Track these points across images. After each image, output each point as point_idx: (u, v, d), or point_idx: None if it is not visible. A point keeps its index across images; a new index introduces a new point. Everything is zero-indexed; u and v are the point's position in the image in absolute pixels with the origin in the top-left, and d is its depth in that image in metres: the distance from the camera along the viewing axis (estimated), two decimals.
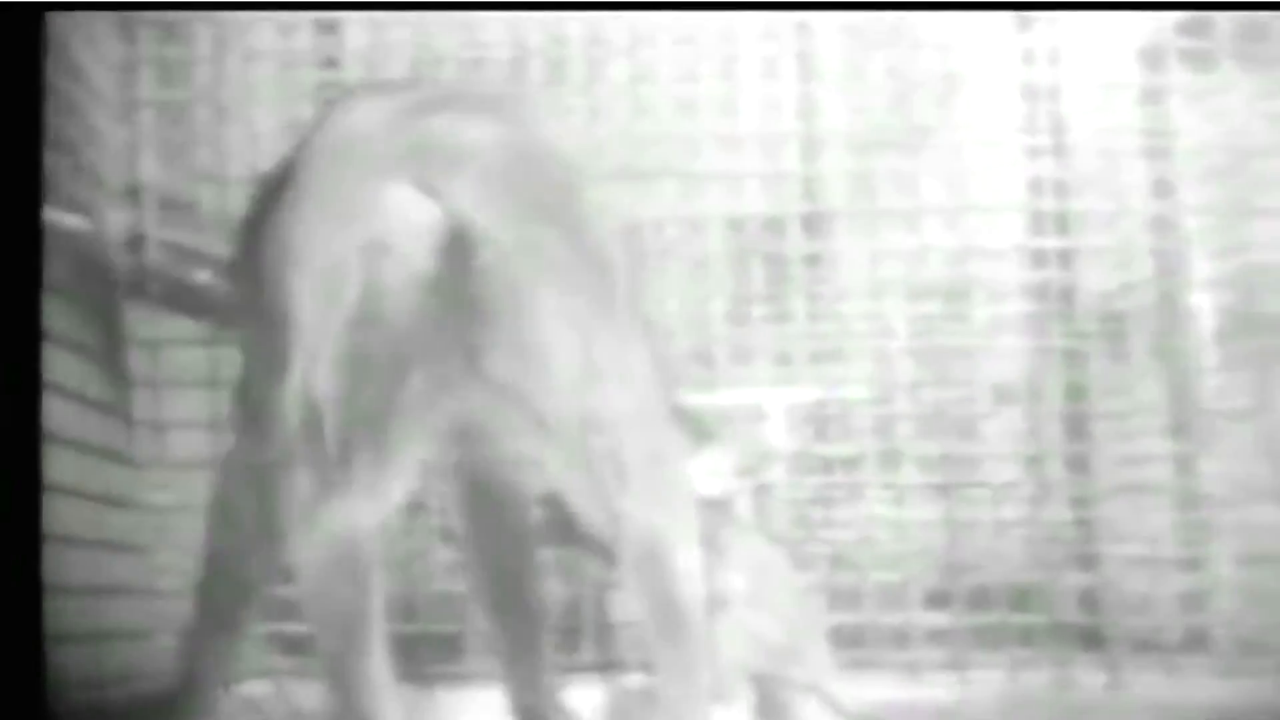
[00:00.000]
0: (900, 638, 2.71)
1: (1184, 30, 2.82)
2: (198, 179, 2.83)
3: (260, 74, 2.85)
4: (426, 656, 2.68)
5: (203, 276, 2.83)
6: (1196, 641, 2.67)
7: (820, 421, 2.84)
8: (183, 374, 2.74)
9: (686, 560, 1.84)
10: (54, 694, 1.89)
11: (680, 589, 1.83)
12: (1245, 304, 2.84)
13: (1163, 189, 2.87)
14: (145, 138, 2.80)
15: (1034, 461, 2.82)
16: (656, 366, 1.88)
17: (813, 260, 2.89)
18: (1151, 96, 2.84)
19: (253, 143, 2.85)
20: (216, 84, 2.83)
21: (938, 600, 2.75)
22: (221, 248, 2.85)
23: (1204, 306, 2.88)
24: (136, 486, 2.64)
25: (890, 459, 2.80)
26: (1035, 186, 2.86)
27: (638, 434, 1.80)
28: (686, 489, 1.89)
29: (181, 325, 2.79)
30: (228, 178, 2.82)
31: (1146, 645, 2.70)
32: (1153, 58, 2.84)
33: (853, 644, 2.55)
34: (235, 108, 2.84)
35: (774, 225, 2.91)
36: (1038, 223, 2.85)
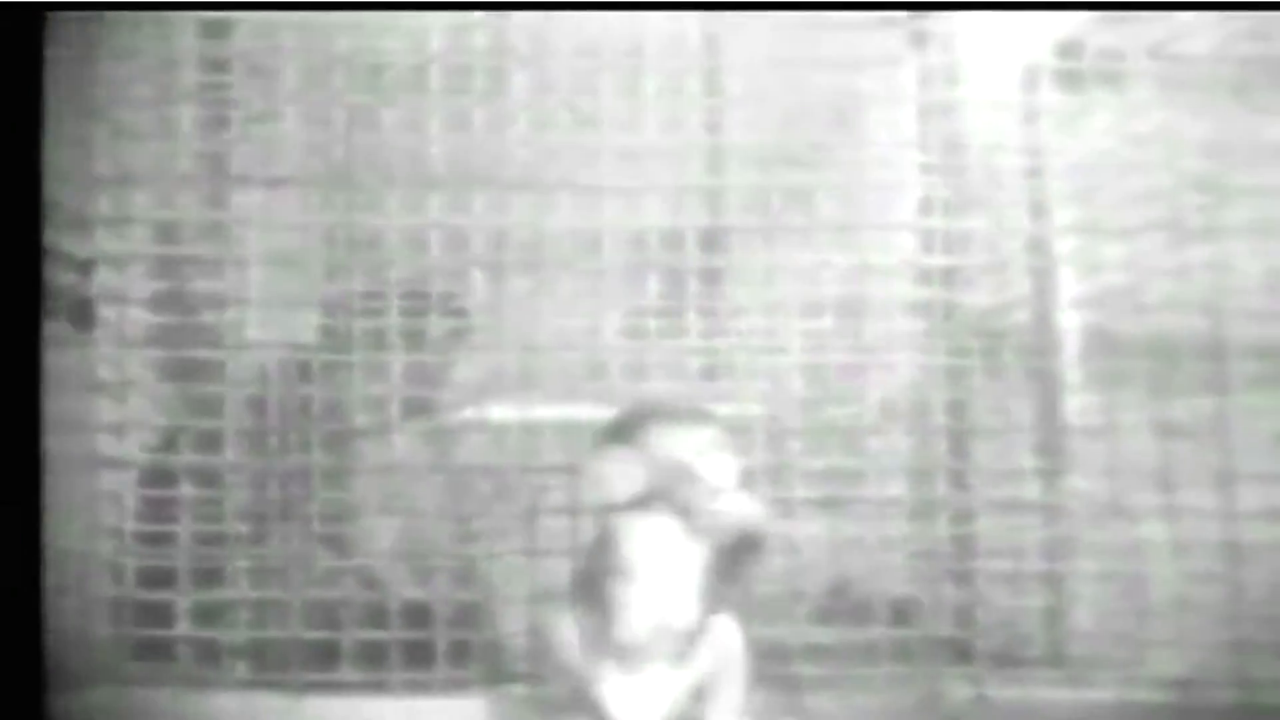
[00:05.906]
0: (781, 653, 2.70)
1: (1059, 51, 2.87)
2: (62, 180, 2.76)
3: (133, 73, 2.78)
4: (300, 664, 2.65)
5: (66, 279, 2.77)
6: (1056, 655, 2.71)
7: None
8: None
9: None
10: None
11: None
12: (1106, 324, 2.87)
13: (1038, 209, 2.90)
14: None
15: (918, 477, 2.83)
16: None
17: (710, 275, 2.88)
18: (1030, 117, 2.88)
19: (116, 142, 2.79)
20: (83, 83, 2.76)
21: (823, 615, 2.75)
22: (79, 248, 2.78)
23: (1072, 326, 2.92)
24: None
25: (781, 473, 2.79)
26: (925, 205, 2.88)
27: None
28: None
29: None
30: (92, 179, 2.77)
31: (1011, 659, 2.71)
32: (1031, 78, 2.88)
33: None
34: (105, 108, 2.77)
35: (672, 240, 2.90)
36: (927, 241, 2.87)
